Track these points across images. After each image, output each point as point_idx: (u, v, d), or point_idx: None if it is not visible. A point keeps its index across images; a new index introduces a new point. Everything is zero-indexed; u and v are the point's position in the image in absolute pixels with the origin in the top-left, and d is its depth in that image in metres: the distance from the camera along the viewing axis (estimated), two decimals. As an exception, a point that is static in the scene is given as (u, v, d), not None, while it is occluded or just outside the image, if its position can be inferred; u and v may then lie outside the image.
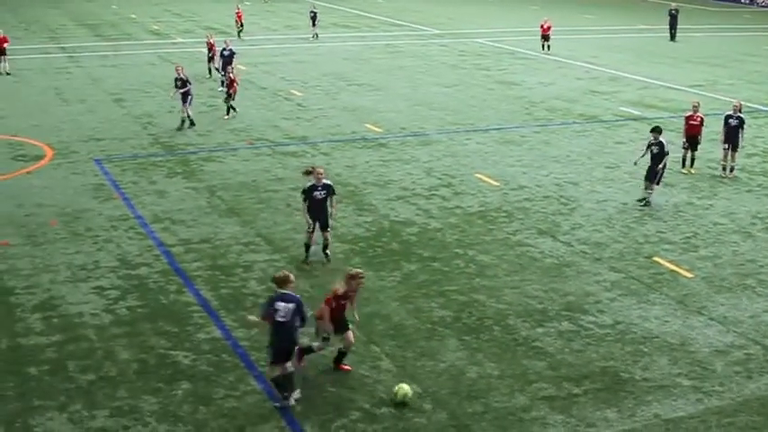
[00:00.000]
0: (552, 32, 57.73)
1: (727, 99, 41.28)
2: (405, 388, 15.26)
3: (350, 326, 16.22)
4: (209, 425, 14.49)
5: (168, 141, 32.20)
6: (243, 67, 44.96)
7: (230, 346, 17.14)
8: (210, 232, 23.20)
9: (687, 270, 21.71)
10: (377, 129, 35.04)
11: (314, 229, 20.96)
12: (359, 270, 16.47)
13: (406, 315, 18.65)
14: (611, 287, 20.54)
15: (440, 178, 28.53)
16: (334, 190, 21.16)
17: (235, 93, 36.24)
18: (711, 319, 19.16)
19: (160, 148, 31.27)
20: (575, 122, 37.47)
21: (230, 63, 40.07)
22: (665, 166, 26.51)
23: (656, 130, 26.75)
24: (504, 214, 25.28)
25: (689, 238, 23.98)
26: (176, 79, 33.89)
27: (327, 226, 21.16)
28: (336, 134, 34.13)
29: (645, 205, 26.21)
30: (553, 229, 24.26)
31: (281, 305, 14.76)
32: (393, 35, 65.09)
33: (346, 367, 16.33)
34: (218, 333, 17.66)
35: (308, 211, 20.84)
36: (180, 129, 33.71)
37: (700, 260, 22.42)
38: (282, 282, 15.06)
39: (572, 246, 23.04)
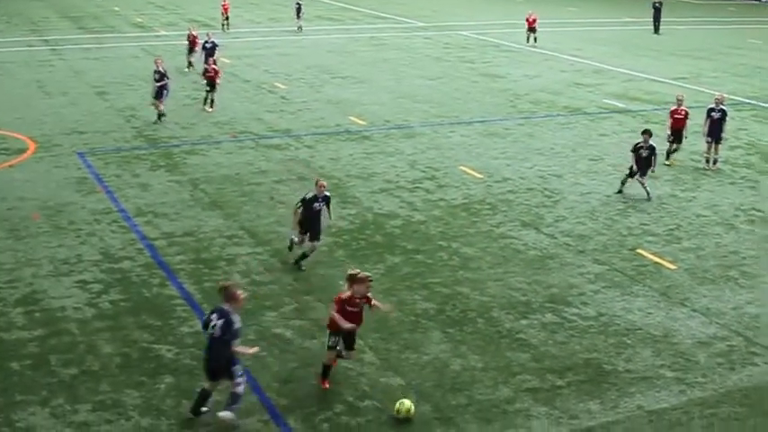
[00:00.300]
0: (538, 25, 57.77)
1: (711, 92, 41.35)
2: (406, 403, 14.67)
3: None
4: (194, 418, 14.44)
5: (151, 134, 32.08)
6: (226, 60, 44.82)
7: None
8: (194, 225, 23.14)
9: (670, 262, 21.77)
10: (361, 121, 35.00)
11: (303, 240, 20.42)
12: (364, 273, 15.48)
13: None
14: (594, 279, 20.58)
15: (423, 171, 28.52)
16: (330, 200, 20.64)
17: (214, 85, 36.07)
18: (694, 310, 19.22)
19: (143, 142, 31.16)
20: (559, 115, 37.50)
21: (212, 55, 39.95)
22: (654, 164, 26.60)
23: (647, 133, 26.73)
24: (487, 207, 25.29)
25: (672, 230, 24.04)
26: (155, 72, 33.72)
27: (318, 237, 20.48)
28: (320, 127, 34.07)
29: (648, 199, 26.19)
30: (537, 221, 24.28)
31: (213, 318, 14.11)
32: (377, 27, 65.02)
33: (327, 385, 15.58)
34: (200, 326, 17.59)
35: (304, 220, 20.18)
36: (157, 122, 33.51)
37: (683, 252, 22.48)
38: (219, 291, 14.46)
39: (555, 238, 23.07)
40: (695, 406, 15.56)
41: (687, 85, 44.67)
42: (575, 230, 23.65)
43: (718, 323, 18.68)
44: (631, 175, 26.39)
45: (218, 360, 14.04)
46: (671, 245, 22.94)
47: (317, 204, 20.12)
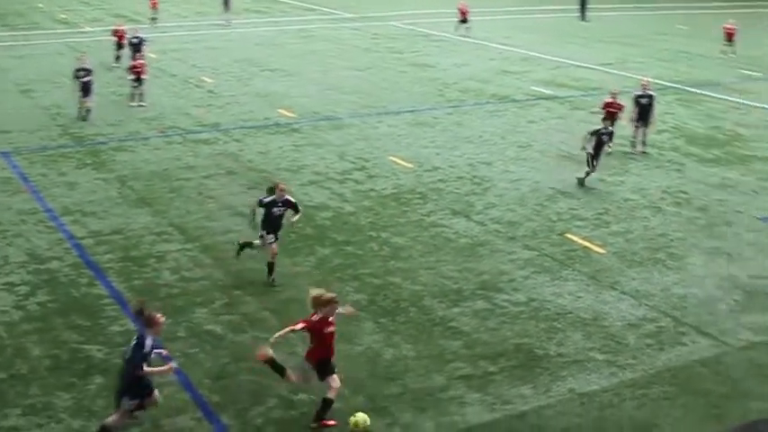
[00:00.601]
0: (470, 15, 57.87)
1: (637, 77, 41.86)
2: (360, 416, 13.74)
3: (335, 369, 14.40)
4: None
5: (78, 132, 31.64)
6: (153, 55, 44.34)
7: (144, 338, 16.91)
8: (122, 223, 22.88)
9: (599, 246, 22.00)
10: (289, 114, 34.86)
11: (265, 243, 19.43)
12: (329, 294, 14.35)
13: (322, 300, 18.53)
14: (524, 265, 20.73)
15: (353, 162, 28.49)
16: (298, 207, 19.66)
17: (141, 81, 35.73)
18: (624, 293, 19.45)
19: (69, 140, 30.73)
20: (487, 103, 37.69)
21: (140, 51, 39.54)
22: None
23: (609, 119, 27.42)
24: (417, 196, 25.34)
25: (601, 214, 24.30)
26: (79, 69, 33.21)
27: (277, 238, 19.50)
28: (249, 120, 33.86)
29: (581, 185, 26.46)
30: (467, 209, 24.38)
31: (132, 340, 13.32)
32: (306, 20, 64.77)
33: (331, 422, 14.32)
34: (131, 325, 17.32)
35: (265, 221, 19.32)
36: (83, 119, 33.07)
37: (611, 236, 22.73)
38: (136, 315, 13.51)
39: (485, 225, 23.19)
40: (626, 387, 15.74)
41: (613, 71, 45.23)
42: (504, 217, 23.80)
43: (647, 305, 18.92)
44: (592, 163, 26.40)
45: (120, 383, 13.35)
46: (600, 229, 23.18)
47: (276, 209, 19.13)
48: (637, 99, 30.28)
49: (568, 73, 45.05)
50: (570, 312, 18.39)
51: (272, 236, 19.31)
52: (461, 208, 24.44)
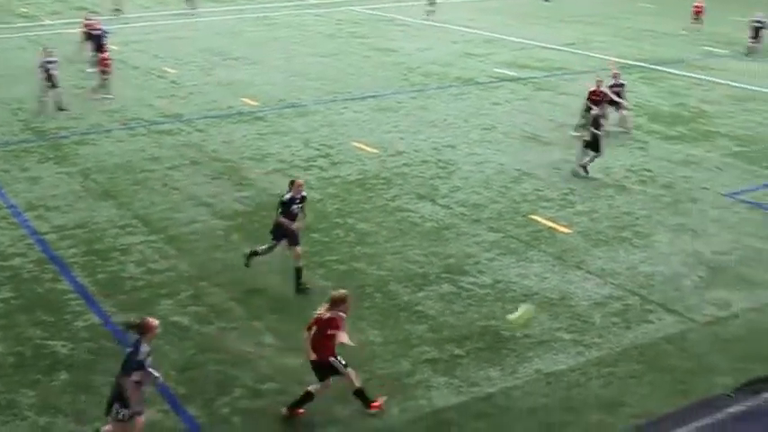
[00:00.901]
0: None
1: (601, 57, 42.12)
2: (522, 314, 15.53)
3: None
4: (90, 413, 14.16)
5: (39, 126, 31.34)
6: (115, 47, 43.88)
7: (110, 332, 16.81)
8: (86, 217, 22.70)
9: (565, 226, 22.05)
10: (253, 102, 34.69)
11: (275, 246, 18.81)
12: (342, 291, 14.26)
13: (288, 288, 18.49)
14: (490, 247, 20.75)
15: (317, 149, 28.41)
16: (305, 199, 18.83)
17: (108, 73, 35.50)
18: (589, 272, 19.51)
19: (31, 134, 30.44)
20: (451, 86, 37.64)
21: (103, 43, 39.20)
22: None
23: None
24: (382, 181, 25.29)
25: (566, 194, 24.35)
26: (46, 61, 32.93)
27: (298, 242, 18.53)
28: (212, 110, 33.66)
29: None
30: (432, 193, 24.37)
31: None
32: (268, 7, 64.36)
33: (301, 411, 14.28)
34: (96, 319, 17.30)
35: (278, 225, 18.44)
36: (60, 109, 32.82)
37: (577, 215, 22.79)
38: (132, 329, 12.90)
39: (451, 208, 23.19)
40: (593, 366, 15.81)
41: (577, 51, 45.29)
42: (469, 200, 23.80)
43: (613, 284, 18.99)
44: (596, 148, 26.03)
45: (113, 390, 12.86)
46: (565, 209, 23.23)
47: (295, 207, 18.32)
48: (610, 88, 30.21)
49: (531, 54, 45.05)
50: (536, 293, 18.43)
51: (296, 247, 18.42)
52: (426, 192, 24.42)
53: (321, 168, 26.40)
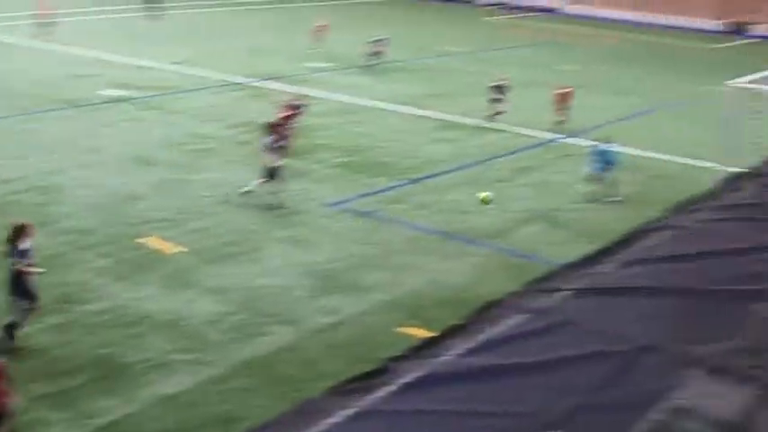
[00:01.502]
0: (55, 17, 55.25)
1: (210, 75, 42.57)
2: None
3: None
4: None
5: None
6: None
7: None
8: None
9: (176, 245, 22.13)
10: None
11: None
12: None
13: None
14: (102, 273, 20.44)
15: None
16: None
17: None
18: (204, 290, 19.73)
19: None
20: (60, 108, 36.49)
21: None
22: None
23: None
24: (-14, 212, 24.18)
25: (176, 213, 24.40)
26: None
27: None
28: None
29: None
30: (40, 221, 23.52)
31: None
32: None
33: None
34: None
35: None
36: None
37: (188, 234, 22.94)
38: None
39: (61, 236, 22.57)
40: (210, 384, 16.05)
41: (187, 71, 45.13)
42: (80, 225, 23.28)
43: (227, 300, 19.33)
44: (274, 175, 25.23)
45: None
46: (176, 228, 23.28)
47: None
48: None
49: (143, 74, 44.43)
50: (149, 316, 18.40)
51: None
52: (34, 221, 23.55)
53: None
